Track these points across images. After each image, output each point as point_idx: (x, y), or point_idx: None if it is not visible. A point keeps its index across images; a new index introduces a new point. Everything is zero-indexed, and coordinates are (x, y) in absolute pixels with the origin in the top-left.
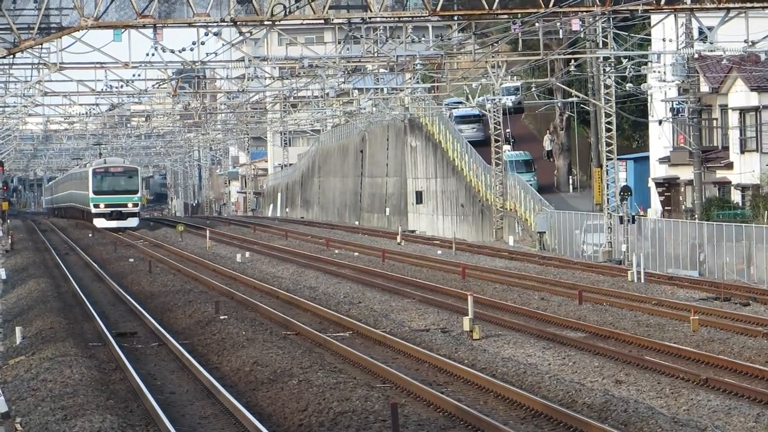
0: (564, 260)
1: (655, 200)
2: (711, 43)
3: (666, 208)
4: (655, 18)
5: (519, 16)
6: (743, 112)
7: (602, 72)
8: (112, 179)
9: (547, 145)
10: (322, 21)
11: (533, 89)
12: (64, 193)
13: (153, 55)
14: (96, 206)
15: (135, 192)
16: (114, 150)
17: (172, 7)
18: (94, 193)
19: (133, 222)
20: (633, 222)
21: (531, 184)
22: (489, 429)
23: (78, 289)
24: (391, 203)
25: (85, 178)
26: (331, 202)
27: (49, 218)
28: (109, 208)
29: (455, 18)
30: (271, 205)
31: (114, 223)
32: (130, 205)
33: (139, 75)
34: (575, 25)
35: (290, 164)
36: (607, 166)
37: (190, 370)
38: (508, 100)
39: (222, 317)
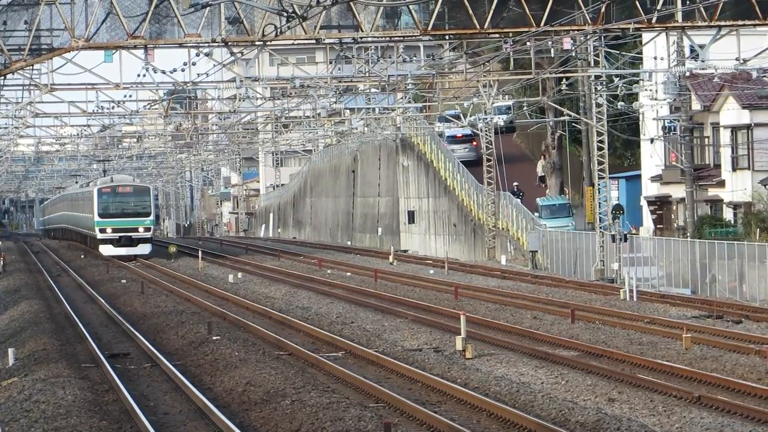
0: (556, 279)
1: (647, 219)
2: (702, 61)
3: (658, 226)
4: (646, 36)
5: (510, 35)
6: (735, 129)
7: (594, 90)
8: (120, 200)
9: (540, 170)
10: (314, 41)
11: (525, 108)
12: (62, 214)
13: (144, 75)
14: (102, 231)
15: (147, 214)
16: (106, 171)
17: (163, 27)
18: (100, 215)
19: (144, 249)
20: (625, 240)
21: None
22: None
23: (70, 310)
24: (383, 223)
25: (88, 199)
26: (323, 222)
27: (42, 240)
28: (117, 233)
29: (446, 37)
30: (263, 226)
31: (123, 251)
32: (141, 229)
33: (130, 96)
34: (567, 44)
35: (282, 184)
36: (599, 184)
37: (183, 391)
38: (500, 119)
39: (215, 338)
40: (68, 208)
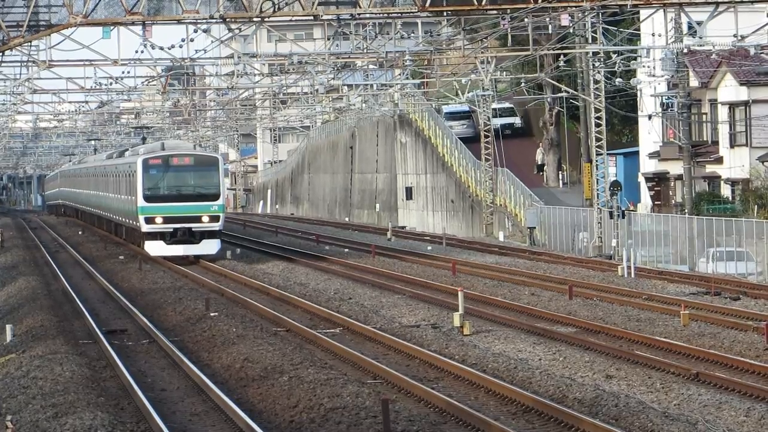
0: (554, 255)
1: (645, 195)
2: (700, 38)
3: (656, 203)
4: (644, 13)
5: (508, 11)
6: (733, 106)
7: (592, 67)
8: (175, 176)
9: (539, 158)
10: (311, 17)
11: (522, 84)
12: (82, 192)
13: (142, 52)
14: (149, 221)
15: (214, 197)
16: (104, 147)
17: (161, 4)
18: (146, 198)
19: (210, 247)
20: (623, 217)
21: None
22: (480, 424)
23: (68, 286)
24: (381, 199)
25: (127, 174)
26: (321, 198)
27: (40, 216)
28: (171, 224)
29: (444, 14)
30: (261, 202)
31: (180, 249)
32: (205, 218)
33: (128, 72)
34: (564, 20)
35: (280, 161)
36: (596, 161)
37: (180, 367)
38: (498, 123)
39: (212, 314)
40: (96, 185)
